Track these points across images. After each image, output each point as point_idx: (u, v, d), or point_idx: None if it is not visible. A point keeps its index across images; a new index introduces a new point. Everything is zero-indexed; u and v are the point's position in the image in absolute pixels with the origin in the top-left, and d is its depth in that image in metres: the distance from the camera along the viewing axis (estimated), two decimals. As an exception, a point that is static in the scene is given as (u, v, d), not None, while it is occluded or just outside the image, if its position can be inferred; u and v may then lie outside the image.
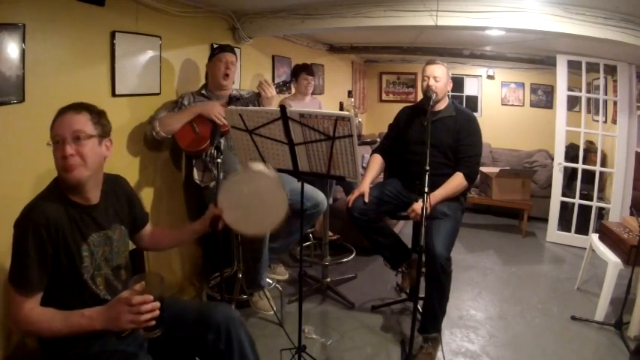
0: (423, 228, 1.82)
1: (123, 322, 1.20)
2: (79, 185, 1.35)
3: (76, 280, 1.33)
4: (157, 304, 1.23)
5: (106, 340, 1.34)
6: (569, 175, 4.44)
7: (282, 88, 2.65)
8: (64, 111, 1.34)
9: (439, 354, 2.35)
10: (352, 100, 3.38)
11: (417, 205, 2.37)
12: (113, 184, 1.54)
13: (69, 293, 1.33)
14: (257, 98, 2.58)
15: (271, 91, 2.49)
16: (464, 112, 2.60)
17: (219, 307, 1.57)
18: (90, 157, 1.33)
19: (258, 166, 1.58)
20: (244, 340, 1.48)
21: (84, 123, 1.33)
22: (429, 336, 2.35)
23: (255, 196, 1.55)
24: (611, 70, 4.15)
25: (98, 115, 1.38)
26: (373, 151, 2.81)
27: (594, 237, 3.08)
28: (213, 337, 1.45)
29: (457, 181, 2.45)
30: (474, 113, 2.79)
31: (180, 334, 1.47)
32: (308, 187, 2.48)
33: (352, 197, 2.56)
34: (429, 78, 2.49)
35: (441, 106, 2.56)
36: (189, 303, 1.59)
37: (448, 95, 2.61)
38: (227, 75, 2.54)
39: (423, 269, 2.26)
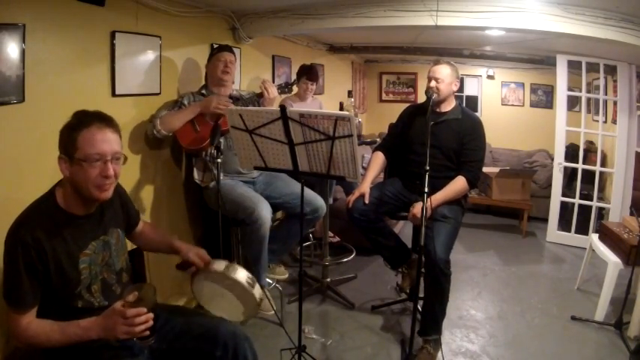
0: (423, 228, 1.82)
1: (118, 332, 1.22)
2: (101, 202, 1.37)
3: (68, 294, 1.33)
4: (151, 315, 1.25)
5: (107, 343, 1.34)
6: (569, 175, 4.44)
7: (284, 89, 2.65)
8: (101, 127, 1.29)
9: (439, 354, 2.35)
10: (352, 100, 3.38)
11: (417, 209, 2.37)
12: None
13: (61, 305, 1.32)
14: (257, 99, 2.58)
15: (274, 91, 2.49)
16: (470, 115, 2.58)
17: (225, 323, 1.57)
18: (118, 176, 1.35)
19: (238, 274, 1.58)
20: (249, 356, 1.51)
21: (119, 143, 1.34)
22: (429, 338, 2.35)
23: (224, 293, 1.62)
24: (611, 70, 4.14)
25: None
26: (375, 149, 2.81)
27: (594, 237, 3.08)
28: (221, 353, 1.46)
29: (459, 185, 2.43)
30: (475, 113, 2.79)
31: (186, 346, 1.48)
32: (308, 192, 2.48)
33: (352, 198, 2.56)
34: (430, 79, 2.50)
35: (447, 107, 2.55)
36: (196, 315, 1.60)
37: (455, 97, 2.60)
38: (226, 72, 2.54)
39: (423, 269, 2.26)
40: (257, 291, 1.59)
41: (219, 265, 1.57)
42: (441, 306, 2.33)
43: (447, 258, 2.25)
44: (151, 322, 1.25)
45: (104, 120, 1.32)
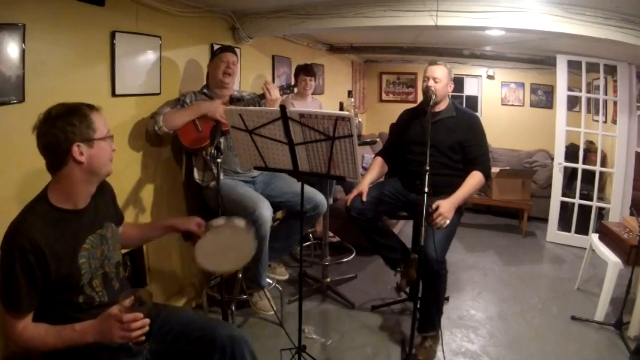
0: (423, 228, 1.82)
1: (114, 337, 1.23)
2: (101, 184, 1.45)
3: (70, 289, 1.33)
4: (147, 320, 1.26)
5: (105, 344, 1.34)
6: (569, 175, 4.44)
7: (285, 91, 2.65)
8: (99, 109, 1.40)
9: (439, 354, 2.36)
10: (352, 100, 3.38)
11: (443, 209, 2.25)
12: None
13: (62, 300, 1.33)
14: (258, 100, 2.58)
15: (275, 93, 2.49)
16: (465, 112, 2.61)
17: (223, 326, 1.57)
18: None
19: (238, 222, 1.68)
20: (248, 359, 1.51)
21: None
22: (427, 335, 2.38)
23: (227, 245, 1.68)
24: (611, 70, 4.14)
25: None
26: (376, 155, 2.82)
27: (594, 237, 3.09)
28: (219, 357, 1.47)
29: (476, 180, 2.43)
30: (469, 110, 2.80)
31: (185, 348, 1.49)
32: (308, 189, 2.48)
33: (351, 196, 2.57)
34: (428, 79, 2.50)
35: (441, 107, 2.56)
36: (195, 317, 1.61)
37: (449, 96, 2.61)
38: (228, 74, 2.55)
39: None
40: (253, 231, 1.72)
41: (219, 220, 1.67)
42: (437, 305, 2.36)
43: (441, 258, 2.27)
44: (147, 328, 1.26)
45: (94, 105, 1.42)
